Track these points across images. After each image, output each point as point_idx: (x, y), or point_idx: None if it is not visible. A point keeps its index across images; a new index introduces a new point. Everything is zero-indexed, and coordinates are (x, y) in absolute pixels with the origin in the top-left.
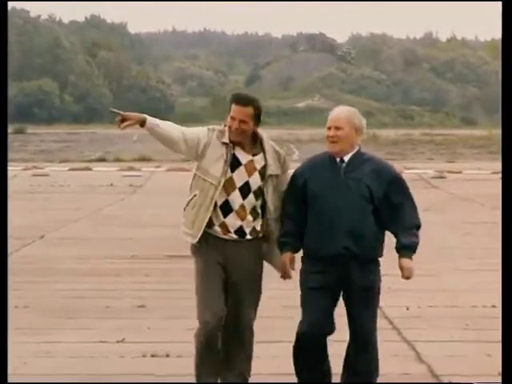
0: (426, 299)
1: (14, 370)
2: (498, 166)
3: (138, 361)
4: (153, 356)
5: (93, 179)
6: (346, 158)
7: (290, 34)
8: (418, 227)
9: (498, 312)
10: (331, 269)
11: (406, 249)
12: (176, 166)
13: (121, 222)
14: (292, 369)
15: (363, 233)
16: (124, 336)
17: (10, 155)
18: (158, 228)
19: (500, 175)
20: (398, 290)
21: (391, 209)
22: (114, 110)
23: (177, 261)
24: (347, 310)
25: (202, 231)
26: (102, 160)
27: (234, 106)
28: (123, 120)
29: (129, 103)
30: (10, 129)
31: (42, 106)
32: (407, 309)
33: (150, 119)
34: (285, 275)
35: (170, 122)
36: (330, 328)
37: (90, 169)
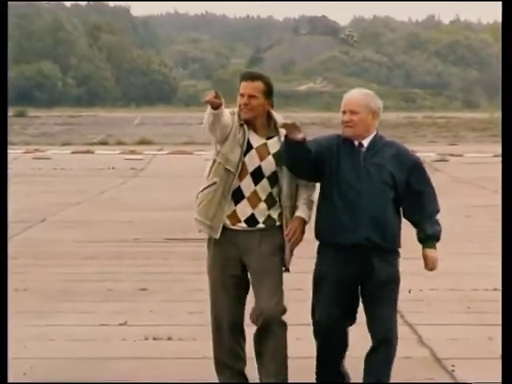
0: (427, 282)
1: (14, 354)
2: (499, 148)
3: (139, 344)
4: (155, 339)
5: (94, 162)
6: (365, 143)
7: (291, 16)
8: (438, 212)
9: (499, 295)
10: (351, 260)
11: (431, 239)
12: (177, 149)
13: (122, 205)
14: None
15: (386, 222)
16: (126, 319)
17: (11, 138)
18: (159, 211)
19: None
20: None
21: (412, 196)
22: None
23: (178, 244)
24: (366, 304)
25: (222, 224)
26: (103, 143)
27: (242, 83)
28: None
29: (131, 86)
30: (10, 112)
31: (44, 89)
32: (409, 292)
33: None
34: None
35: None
36: (348, 323)
37: (91, 152)
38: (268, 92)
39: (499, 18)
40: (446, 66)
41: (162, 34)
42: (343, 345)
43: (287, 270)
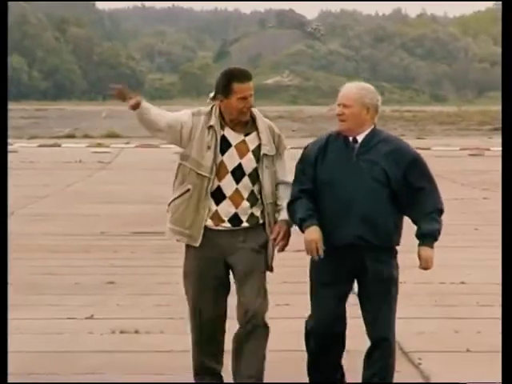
0: None
1: None
2: (466, 142)
3: (106, 337)
4: (122, 332)
5: (62, 156)
6: (360, 138)
7: (258, 10)
8: (441, 211)
9: (466, 288)
10: (344, 260)
11: (426, 237)
12: (145, 143)
13: (89, 198)
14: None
15: (378, 220)
16: (93, 312)
17: None
18: (126, 204)
19: (468, 152)
20: None
21: (411, 193)
22: (114, 85)
23: (145, 237)
24: (361, 303)
25: (202, 231)
26: (70, 136)
27: (239, 85)
28: (120, 94)
29: (98, 80)
30: None
31: (10, 83)
32: None
33: (144, 104)
34: (314, 252)
35: (159, 110)
36: (340, 327)
37: (58, 145)
38: None
39: (466, 12)
40: (413, 59)
41: (129, 28)
42: (340, 350)
43: (271, 269)
